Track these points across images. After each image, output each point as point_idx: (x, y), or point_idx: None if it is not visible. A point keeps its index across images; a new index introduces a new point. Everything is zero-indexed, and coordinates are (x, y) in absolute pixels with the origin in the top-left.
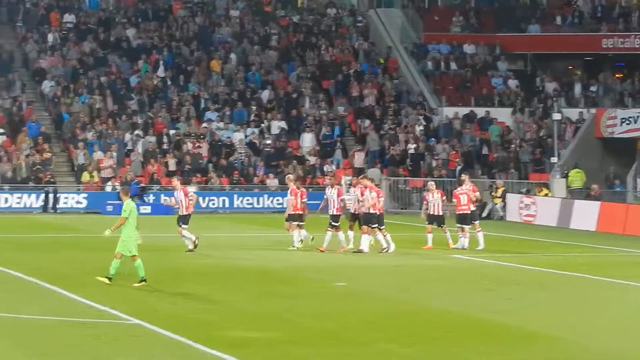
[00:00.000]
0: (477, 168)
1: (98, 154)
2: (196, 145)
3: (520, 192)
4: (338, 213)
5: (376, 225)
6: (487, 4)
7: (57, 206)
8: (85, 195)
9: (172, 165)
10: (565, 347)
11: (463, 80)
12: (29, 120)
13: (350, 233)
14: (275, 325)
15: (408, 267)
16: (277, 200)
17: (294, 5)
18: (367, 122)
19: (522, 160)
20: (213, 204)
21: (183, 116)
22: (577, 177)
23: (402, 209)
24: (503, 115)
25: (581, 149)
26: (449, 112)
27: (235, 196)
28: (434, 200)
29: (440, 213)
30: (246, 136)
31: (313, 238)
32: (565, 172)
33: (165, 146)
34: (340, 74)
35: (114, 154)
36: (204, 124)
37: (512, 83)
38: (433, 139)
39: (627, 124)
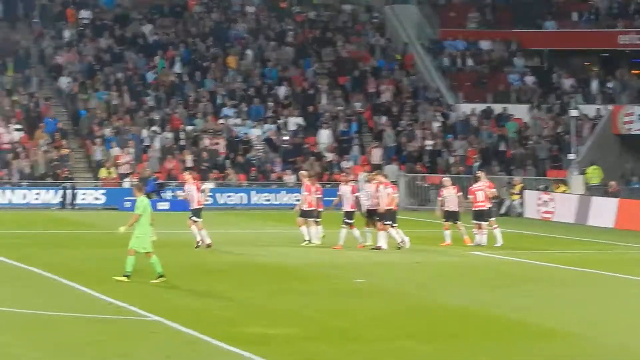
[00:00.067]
0: (494, 164)
1: (115, 150)
2: (213, 141)
3: (538, 189)
4: (352, 209)
5: (389, 222)
6: (503, 0)
7: (75, 202)
8: (103, 191)
9: (189, 162)
10: (584, 344)
11: (480, 77)
12: (46, 116)
13: (367, 230)
14: (293, 322)
15: (426, 264)
16: (295, 196)
17: (309, 1)
18: (384, 119)
19: (540, 156)
20: (231, 200)
21: (200, 112)
22: (594, 174)
23: (419, 205)
24: (520, 111)
25: (598, 146)
26: (465, 108)
27: (253, 192)
28: (449, 195)
29: (456, 209)
30: (263, 132)
31: (325, 235)
32: (583, 168)
33: (182, 142)
34: (356, 70)
35: (131, 150)
36: (221, 120)
37: (529, 79)
38: (450, 135)
39: None
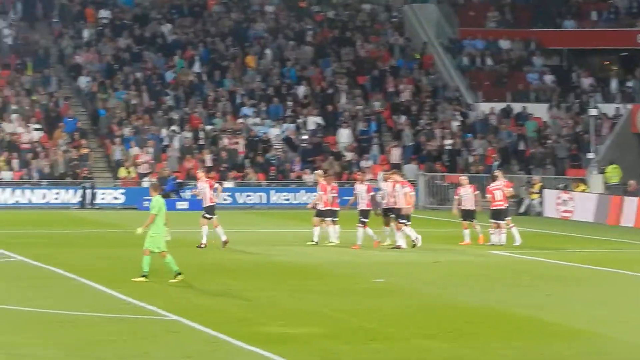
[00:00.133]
0: (513, 164)
1: (134, 150)
2: (232, 141)
3: (558, 188)
4: (368, 208)
5: (405, 220)
6: (523, 0)
7: (94, 202)
8: (123, 191)
9: (208, 161)
10: (604, 343)
11: (499, 76)
12: (66, 116)
13: (386, 229)
14: (313, 321)
15: (446, 263)
16: (314, 195)
17: (328, 0)
18: (403, 118)
19: (559, 155)
20: (250, 199)
21: (219, 112)
22: (614, 173)
23: (439, 204)
24: (539, 110)
25: (618, 145)
26: (485, 107)
27: (272, 192)
28: (466, 194)
29: (472, 207)
30: (282, 132)
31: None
32: (602, 167)
33: (201, 142)
34: (375, 70)
35: (151, 149)
36: (240, 120)
37: (548, 78)
38: (469, 134)
39: None
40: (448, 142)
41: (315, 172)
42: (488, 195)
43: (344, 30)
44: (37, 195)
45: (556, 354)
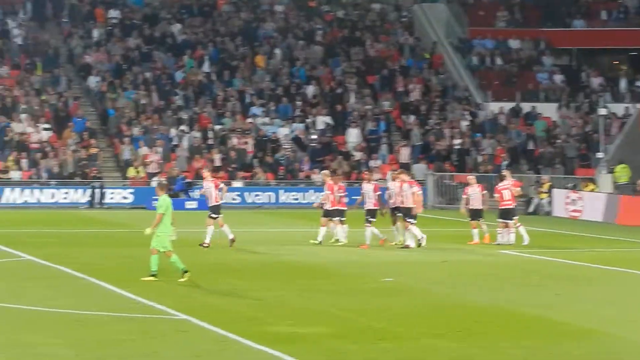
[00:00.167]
0: (522, 163)
1: (144, 150)
2: (241, 140)
3: (567, 188)
4: (375, 208)
5: (411, 219)
6: None
7: (103, 201)
8: (132, 190)
9: (217, 161)
10: (614, 342)
11: (508, 75)
12: (75, 115)
13: (395, 228)
14: (322, 321)
15: (455, 263)
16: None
17: (338, 0)
18: (412, 118)
19: (568, 155)
20: (259, 199)
21: (228, 111)
22: (623, 173)
23: (447, 204)
24: (548, 110)
25: (627, 144)
26: (494, 107)
27: (281, 191)
28: (474, 193)
29: (480, 207)
30: (291, 131)
31: (337, 240)
32: (611, 167)
33: (210, 141)
34: (385, 69)
35: (160, 149)
36: (249, 120)
37: (558, 78)
38: (479, 134)
39: None
40: (457, 141)
41: (322, 172)
42: (496, 195)
43: (354, 29)
44: (46, 195)
45: (565, 353)
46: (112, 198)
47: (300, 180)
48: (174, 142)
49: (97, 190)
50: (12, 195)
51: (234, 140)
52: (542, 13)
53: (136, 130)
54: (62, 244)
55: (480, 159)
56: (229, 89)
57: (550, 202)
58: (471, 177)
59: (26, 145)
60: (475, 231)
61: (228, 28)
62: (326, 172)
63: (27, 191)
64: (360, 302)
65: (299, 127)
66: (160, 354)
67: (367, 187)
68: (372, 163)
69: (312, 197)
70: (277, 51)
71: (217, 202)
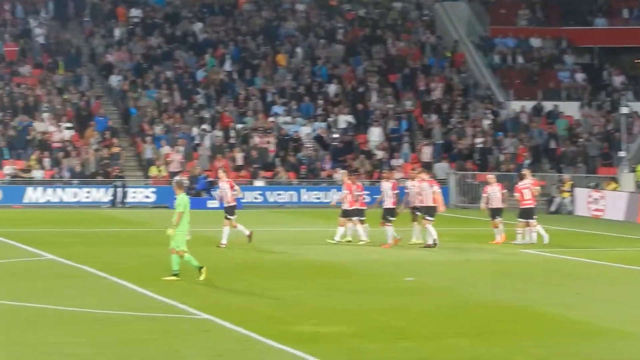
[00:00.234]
0: (544, 162)
1: (165, 149)
2: (264, 139)
3: (589, 187)
4: (393, 206)
5: (431, 218)
6: None
7: (126, 200)
8: (154, 189)
9: (239, 160)
10: (634, 342)
11: (530, 74)
12: (97, 114)
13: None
14: (344, 320)
15: (476, 262)
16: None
17: None
18: (434, 117)
19: (590, 154)
20: (281, 198)
21: (250, 110)
22: None
23: (469, 203)
24: (570, 109)
25: None
26: (516, 105)
27: (303, 190)
28: (493, 193)
29: (499, 206)
30: (313, 130)
31: (348, 240)
32: (633, 166)
33: (232, 140)
34: (406, 68)
35: (182, 148)
36: (271, 118)
37: (579, 77)
38: (500, 133)
39: None
40: (479, 140)
41: (341, 171)
42: (517, 194)
43: (375, 28)
44: (68, 194)
45: (586, 352)
46: (134, 197)
47: (322, 179)
48: (196, 141)
49: (119, 190)
50: (35, 195)
51: (256, 139)
52: (563, 11)
53: (158, 129)
54: (84, 243)
55: (502, 157)
56: (251, 88)
57: (572, 201)
58: (491, 176)
59: (48, 145)
60: (497, 230)
61: (249, 27)
62: (344, 171)
63: (49, 190)
64: (380, 301)
65: (320, 126)
66: (182, 354)
67: (386, 186)
68: (394, 162)
69: (334, 196)
70: (299, 50)
71: (232, 202)
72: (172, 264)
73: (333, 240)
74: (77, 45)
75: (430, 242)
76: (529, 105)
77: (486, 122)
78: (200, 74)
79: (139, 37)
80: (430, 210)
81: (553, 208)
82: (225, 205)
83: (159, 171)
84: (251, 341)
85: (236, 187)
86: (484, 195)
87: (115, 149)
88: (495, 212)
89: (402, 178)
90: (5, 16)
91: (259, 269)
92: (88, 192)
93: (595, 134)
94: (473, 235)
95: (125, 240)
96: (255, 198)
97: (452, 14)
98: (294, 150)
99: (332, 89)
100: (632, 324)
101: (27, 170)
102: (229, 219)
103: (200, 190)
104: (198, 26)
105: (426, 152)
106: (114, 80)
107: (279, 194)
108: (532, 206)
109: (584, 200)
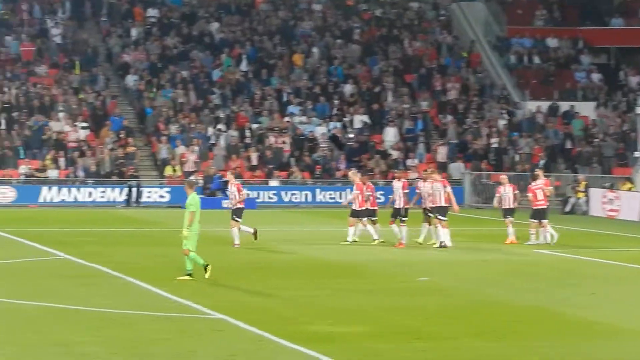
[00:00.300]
0: (560, 162)
1: (181, 148)
2: (279, 139)
3: (604, 187)
4: (406, 206)
5: (443, 217)
6: None
7: (140, 200)
8: (168, 189)
9: (254, 160)
10: None
11: (546, 74)
12: (113, 114)
13: (426, 227)
14: (358, 320)
15: (490, 262)
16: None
17: None
18: (450, 117)
19: (605, 154)
20: (295, 198)
21: (265, 110)
22: None
23: (484, 203)
24: (586, 109)
25: None
26: (532, 106)
27: (318, 190)
28: (506, 193)
29: (512, 206)
30: (329, 130)
31: (356, 241)
32: None
33: (247, 140)
34: (423, 68)
35: (197, 148)
36: (287, 118)
37: (596, 77)
38: (516, 133)
39: None
40: (494, 140)
41: (351, 172)
42: (529, 195)
43: (392, 28)
44: (83, 194)
45: (601, 353)
46: (149, 197)
47: (337, 179)
48: (211, 141)
49: (134, 189)
50: (50, 194)
51: (271, 139)
52: (580, 12)
53: (173, 129)
54: (98, 243)
55: (517, 158)
56: (267, 88)
57: (587, 202)
58: (503, 177)
59: (64, 144)
60: (512, 230)
61: (266, 27)
62: (354, 171)
63: (64, 190)
64: (395, 301)
65: (336, 126)
66: (197, 353)
67: (397, 185)
68: (409, 162)
69: (349, 196)
70: (315, 50)
71: (241, 205)
72: (186, 264)
73: (346, 241)
74: (94, 45)
75: (437, 244)
76: (544, 105)
77: (502, 122)
78: (216, 74)
79: (155, 37)
80: (442, 210)
81: (568, 208)
82: (233, 207)
83: (174, 171)
84: (265, 341)
85: (243, 192)
86: (497, 195)
87: (131, 149)
88: (507, 213)
89: (417, 178)
90: (23, 16)
91: (273, 269)
92: (103, 191)
93: (610, 134)
94: (487, 235)
95: (139, 240)
96: (270, 198)
97: (469, 14)
98: (309, 150)
99: (348, 89)
100: None
101: (43, 169)
102: (237, 221)
103: (215, 190)
104: (214, 26)
105: (441, 152)
106: (130, 80)
107: (293, 194)
108: (544, 207)
109: (599, 201)
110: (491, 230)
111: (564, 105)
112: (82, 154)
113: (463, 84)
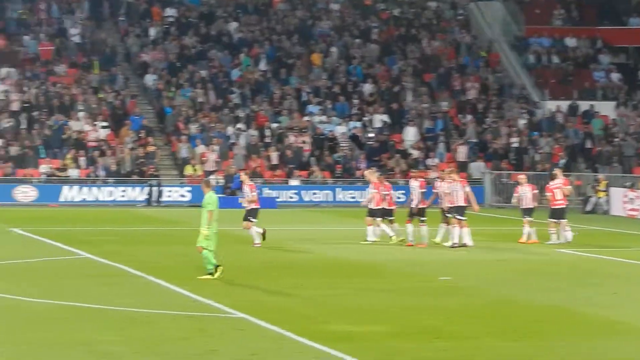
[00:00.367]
0: (580, 162)
1: (201, 148)
2: (299, 139)
3: (624, 186)
4: (423, 206)
5: (461, 217)
6: None
7: (161, 199)
8: (189, 188)
9: (274, 159)
10: None
11: (565, 74)
12: (132, 113)
13: (443, 227)
14: (379, 320)
15: (511, 261)
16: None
17: None
18: (469, 116)
19: (626, 153)
20: (316, 197)
21: (285, 110)
22: None
23: (504, 203)
24: (606, 108)
25: None
26: (551, 105)
27: (338, 190)
28: (524, 193)
29: (530, 206)
30: (349, 129)
31: (376, 241)
32: None
33: (267, 140)
34: (441, 68)
35: (217, 147)
36: (306, 118)
37: (615, 76)
38: (536, 132)
39: None
40: (514, 140)
41: (367, 171)
42: (548, 194)
43: (410, 27)
44: (103, 193)
45: (623, 352)
46: (169, 196)
47: (357, 178)
48: (231, 140)
49: (155, 188)
50: (70, 193)
51: (291, 139)
52: (598, 11)
53: (193, 128)
54: (119, 242)
55: (537, 157)
56: (286, 87)
57: (607, 201)
58: (522, 177)
59: (84, 144)
60: (533, 230)
61: (284, 26)
62: (371, 171)
63: (84, 189)
64: (415, 301)
65: (356, 125)
66: (218, 352)
67: (414, 185)
68: (429, 161)
69: (367, 195)
70: (334, 49)
71: (255, 205)
72: (205, 263)
73: (366, 241)
74: (112, 45)
75: (466, 241)
76: (564, 105)
77: (521, 122)
78: (235, 74)
79: (173, 36)
80: (460, 210)
81: (589, 208)
82: (249, 207)
83: (194, 170)
84: (286, 340)
85: (254, 193)
86: (515, 195)
87: (151, 148)
88: (526, 212)
89: (436, 178)
90: (41, 16)
91: (293, 268)
92: (123, 191)
93: (630, 133)
94: (508, 234)
95: (160, 239)
96: (291, 197)
97: (487, 13)
98: (330, 150)
99: (367, 88)
100: None
101: (63, 169)
102: (252, 221)
103: (235, 189)
104: (233, 26)
105: (461, 152)
106: (149, 79)
107: (314, 193)
108: (563, 206)
109: (620, 200)
110: (512, 230)
111: (584, 105)
112: (103, 154)
113: (482, 84)
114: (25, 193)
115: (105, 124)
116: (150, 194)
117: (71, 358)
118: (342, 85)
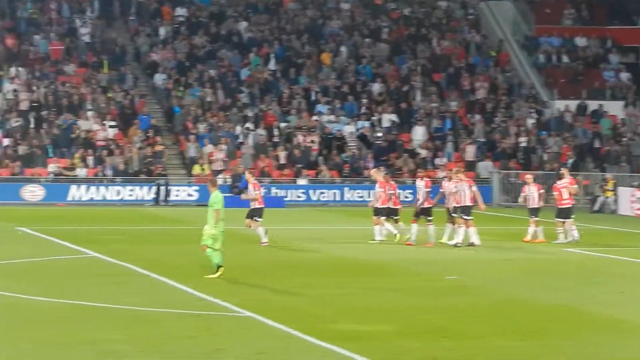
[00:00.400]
0: (588, 161)
1: (209, 147)
2: (307, 138)
3: (632, 186)
4: (429, 206)
5: (467, 216)
6: None
7: (169, 199)
8: (197, 188)
9: (282, 158)
10: None
11: (574, 73)
12: (141, 113)
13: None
14: (386, 319)
15: (518, 261)
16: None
17: None
18: (478, 116)
19: (634, 153)
20: (324, 197)
21: (294, 109)
22: None
23: (513, 202)
24: (615, 108)
25: None
26: (560, 105)
27: (346, 189)
28: (531, 193)
29: (537, 205)
30: (357, 129)
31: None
32: None
33: (276, 139)
34: (451, 67)
35: (225, 146)
36: (315, 117)
37: (624, 76)
38: (544, 132)
39: None
40: (523, 139)
41: (373, 170)
42: (555, 193)
43: (420, 27)
44: (111, 192)
45: (628, 351)
46: (177, 195)
47: (365, 178)
48: (240, 140)
49: (163, 188)
50: (78, 193)
51: (300, 138)
52: (608, 11)
53: (202, 128)
54: (127, 241)
55: (546, 157)
56: (295, 87)
57: (615, 200)
58: (528, 176)
59: (92, 143)
60: (540, 229)
61: (294, 26)
62: (377, 170)
63: (92, 188)
64: (422, 300)
65: (364, 124)
66: (225, 351)
67: (420, 184)
68: (437, 161)
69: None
70: (343, 49)
71: (261, 205)
72: (213, 262)
73: (374, 240)
74: (122, 44)
75: (474, 240)
76: (573, 104)
77: (530, 121)
78: (244, 73)
79: (183, 36)
80: (466, 210)
81: (596, 207)
82: (254, 206)
83: (202, 169)
84: (293, 339)
85: (257, 192)
86: (522, 194)
87: (159, 147)
88: (532, 212)
89: (444, 177)
90: (51, 15)
91: (300, 267)
92: (131, 190)
93: (639, 133)
94: (515, 234)
95: (168, 238)
96: (299, 197)
97: (497, 13)
98: (338, 149)
99: (376, 87)
100: None
101: (71, 168)
102: (257, 220)
103: (243, 188)
104: (243, 25)
105: (470, 151)
106: (158, 78)
107: (322, 193)
108: (569, 206)
109: (627, 200)
110: (519, 229)
111: (593, 104)
112: (111, 153)
113: (491, 83)
114: (33, 192)
115: (113, 123)
116: (158, 193)
117: (75, 357)
118: (351, 85)
